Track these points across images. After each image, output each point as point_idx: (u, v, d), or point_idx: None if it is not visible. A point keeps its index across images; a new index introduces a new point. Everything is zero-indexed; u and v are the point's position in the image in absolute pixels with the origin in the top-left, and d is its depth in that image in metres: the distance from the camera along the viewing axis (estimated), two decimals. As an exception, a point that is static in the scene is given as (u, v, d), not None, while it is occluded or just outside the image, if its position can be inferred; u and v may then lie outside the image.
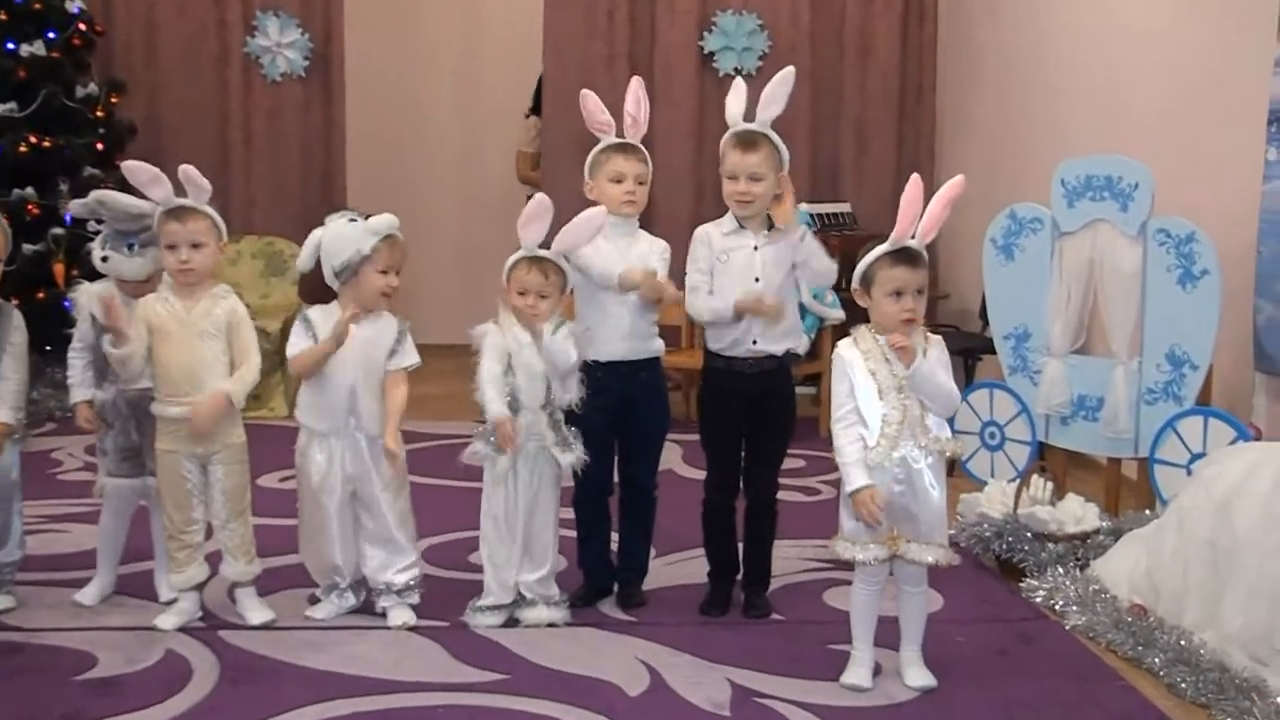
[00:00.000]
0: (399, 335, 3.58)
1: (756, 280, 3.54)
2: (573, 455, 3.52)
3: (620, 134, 3.69)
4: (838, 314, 5.73)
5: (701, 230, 3.65)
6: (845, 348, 3.19)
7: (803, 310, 5.53)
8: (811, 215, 5.98)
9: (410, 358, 3.59)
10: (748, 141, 3.51)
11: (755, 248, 3.57)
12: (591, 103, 3.69)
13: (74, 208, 3.73)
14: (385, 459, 3.51)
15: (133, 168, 3.48)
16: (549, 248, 3.49)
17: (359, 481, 3.56)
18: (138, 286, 3.62)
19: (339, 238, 3.51)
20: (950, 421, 3.22)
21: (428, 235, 8.06)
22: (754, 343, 3.57)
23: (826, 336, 5.88)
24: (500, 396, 3.45)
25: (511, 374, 3.49)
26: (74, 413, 3.70)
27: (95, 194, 3.62)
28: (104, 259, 3.60)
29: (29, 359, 3.62)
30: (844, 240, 6.43)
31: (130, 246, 3.57)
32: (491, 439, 3.51)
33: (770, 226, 3.58)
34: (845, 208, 6.92)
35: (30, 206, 6.17)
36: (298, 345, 3.54)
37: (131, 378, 3.51)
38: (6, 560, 3.69)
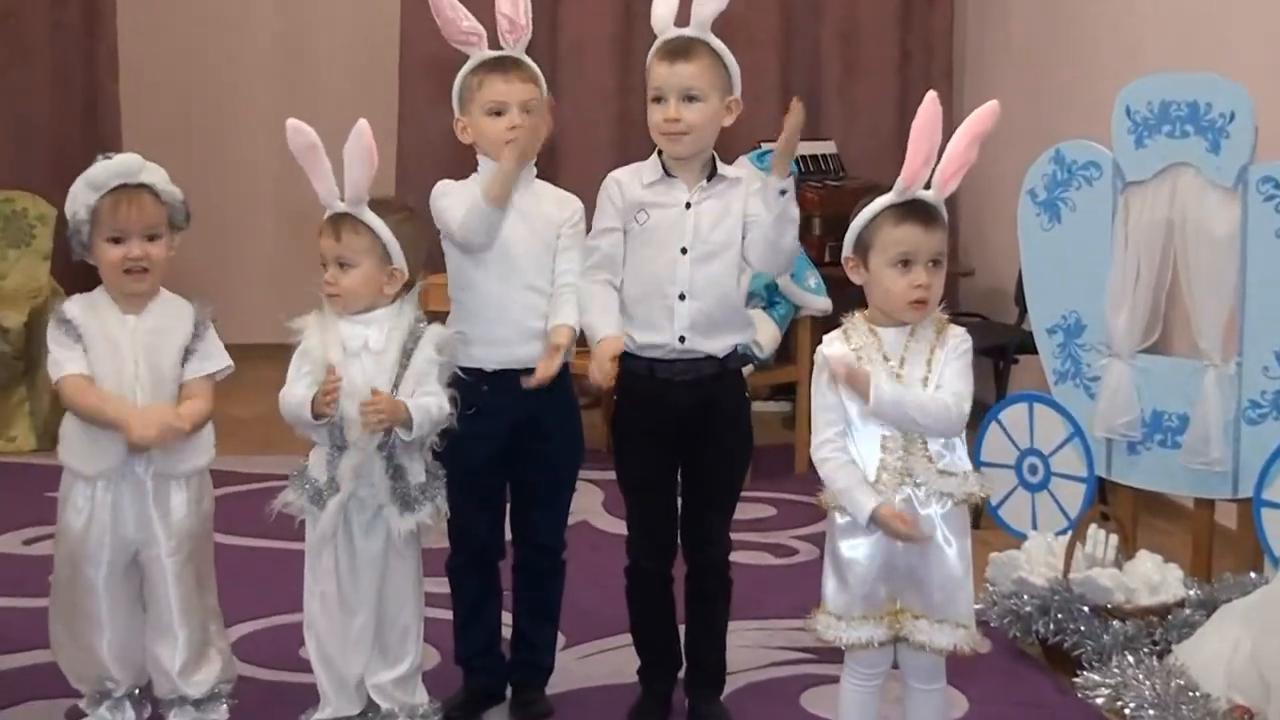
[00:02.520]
0: (197, 328, 3.56)
1: (684, 251, 3.57)
2: (417, 516, 3.50)
3: (495, 45, 3.71)
4: (821, 301, 5.76)
5: (612, 178, 3.67)
6: (831, 346, 3.22)
7: (773, 293, 5.69)
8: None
9: (216, 360, 3.57)
10: (678, 49, 3.54)
11: (687, 205, 3.59)
12: (444, 3, 3.69)
13: None
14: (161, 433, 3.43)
15: None
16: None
17: (143, 544, 3.53)
18: None
19: (71, 191, 3.51)
20: (976, 450, 3.25)
21: (238, 192, 8.01)
22: (680, 339, 3.59)
23: (804, 330, 5.92)
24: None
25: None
26: None
27: None
28: None
29: None
30: (827, 194, 6.49)
31: None
32: (309, 485, 3.50)
33: (711, 175, 3.60)
34: (828, 148, 6.97)
35: None
36: (65, 361, 3.48)
37: None
38: None
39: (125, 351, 3.48)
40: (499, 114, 3.62)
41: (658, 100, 3.55)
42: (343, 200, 3.47)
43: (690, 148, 3.56)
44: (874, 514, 3.09)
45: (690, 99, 3.53)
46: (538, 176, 3.73)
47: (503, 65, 3.65)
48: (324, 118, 8.51)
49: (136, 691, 3.64)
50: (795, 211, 3.54)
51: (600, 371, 3.50)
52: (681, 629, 3.81)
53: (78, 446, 3.53)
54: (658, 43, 3.58)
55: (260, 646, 4.14)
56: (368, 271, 3.47)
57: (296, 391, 3.45)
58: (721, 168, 3.62)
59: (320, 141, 3.45)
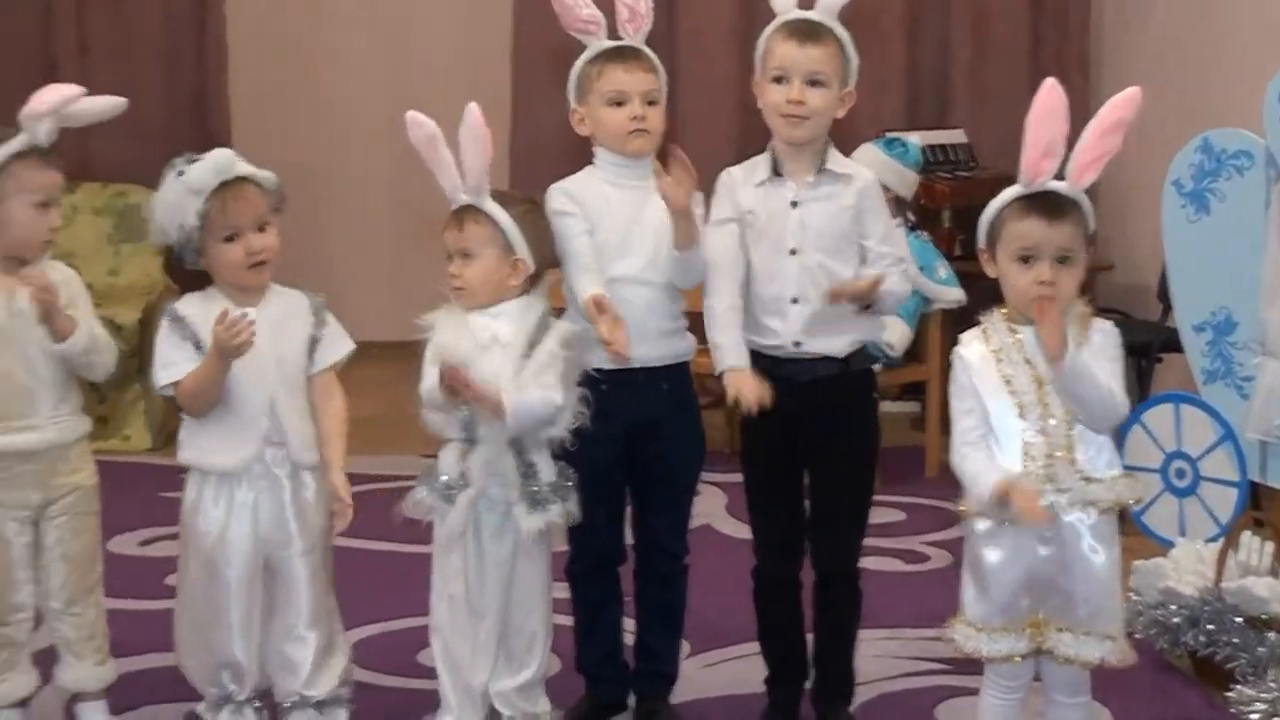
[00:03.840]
0: (316, 315, 3.59)
1: (792, 253, 3.56)
2: (547, 515, 3.51)
3: (615, 35, 3.70)
4: (953, 293, 5.72)
5: (727, 172, 3.67)
6: (968, 345, 3.19)
7: None
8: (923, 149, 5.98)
9: (341, 345, 3.60)
10: (808, 31, 3.53)
11: (793, 204, 3.58)
12: None
13: None
14: (333, 508, 3.51)
15: None
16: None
17: (276, 545, 3.56)
18: None
19: (163, 204, 3.55)
20: (1119, 451, 3.21)
21: (351, 187, 8.08)
22: (795, 344, 3.58)
23: (935, 327, 5.87)
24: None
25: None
26: None
27: None
28: None
29: None
30: (957, 185, 6.44)
31: None
32: (440, 482, 3.52)
33: (820, 168, 3.58)
34: (957, 137, 6.93)
35: None
36: (176, 363, 3.53)
37: None
38: None
39: (257, 347, 3.49)
40: (619, 104, 3.63)
41: (779, 80, 3.53)
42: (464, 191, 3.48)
43: (809, 133, 3.55)
44: (996, 488, 3.05)
45: (814, 83, 3.51)
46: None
47: (623, 55, 3.65)
48: (434, 108, 8.57)
49: (257, 695, 3.66)
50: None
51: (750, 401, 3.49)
52: (809, 637, 3.79)
53: (209, 443, 3.55)
54: (780, 21, 3.57)
55: (376, 651, 4.18)
56: (490, 262, 3.49)
57: (430, 380, 3.47)
58: (832, 161, 3.60)
59: (440, 132, 3.46)
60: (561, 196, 3.63)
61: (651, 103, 3.64)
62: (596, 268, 3.58)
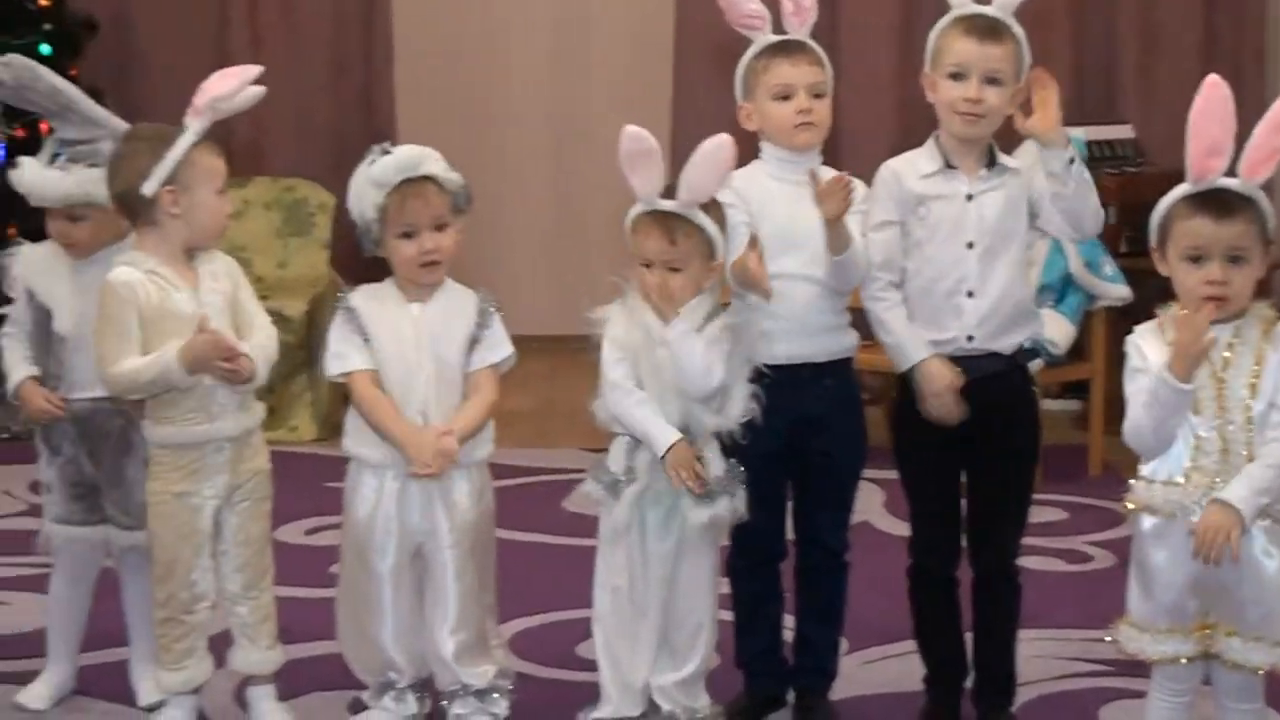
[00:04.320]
0: (481, 316, 3.63)
1: (970, 246, 3.53)
2: (713, 510, 3.52)
3: (780, 29, 3.70)
4: (1119, 289, 5.64)
5: (887, 168, 3.64)
6: (1145, 336, 3.15)
7: (1065, 286, 5.60)
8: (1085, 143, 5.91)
9: (501, 349, 3.64)
10: (989, 29, 3.51)
11: (969, 196, 3.55)
12: None
13: None
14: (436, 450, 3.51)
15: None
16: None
17: (427, 535, 3.61)
18: (63, 229, 3.70)
19: (352, 190, 3.60)
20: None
21: (513, 183, 8.14)
22: (969, 338, 3.55)
23: (1099, 325, 5.79)
24: (655, 412, 3.47)
25: (638, 386, 3.50)
26: (19, 401, 3.79)
27: (6, 57, 3.70)
28: (16, 165, 3.70)
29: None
30: (1124, 180, 6.35)
31: (55, 157, 3.66)
32: (608, 476, 3.53)
33: (991, 163, 3.55)
34: (1124, 132, 6.83)
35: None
36: (346, 355, 3.59)
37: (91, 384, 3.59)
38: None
39: (410, 340, 3.57)
40: (786, 98, 3.63)
41: (956, 77, 3.51)
42: (663, 198, 3.47)
43: (984, 130, 3.53)
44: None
45: (992, 81, 3.49)
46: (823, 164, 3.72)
47: (788, 48, 3.65)
48: (596, 104, 8.68)
49: (419, 683, 3.72)
50: (1088, 175, 3.47)
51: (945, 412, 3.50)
52: (969, 636, 3.77)
53: (366, 434, 3.62)
54: (956, 15, 3.55)
55: (536, 643, 4.22)
56: (696, 272, 3.49)
57: (615, 376, 3.50)
58: (1000, 156, 3.58)
59: (658, 146, 3.46)
60: (725, 190, 3.64)
61: (818, 95, 3.64)
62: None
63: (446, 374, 3.58)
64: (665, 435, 3.46)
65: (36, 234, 3.84)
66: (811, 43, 3.69)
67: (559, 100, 8.29)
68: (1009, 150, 3.63)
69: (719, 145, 3.44)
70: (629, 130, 3.46)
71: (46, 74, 3.64)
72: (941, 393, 3.51)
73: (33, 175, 3.65)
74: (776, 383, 3.59)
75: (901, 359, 3.56)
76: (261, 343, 3.58)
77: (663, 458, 3.46)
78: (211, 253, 3.63)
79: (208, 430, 3.55)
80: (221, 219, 3.59)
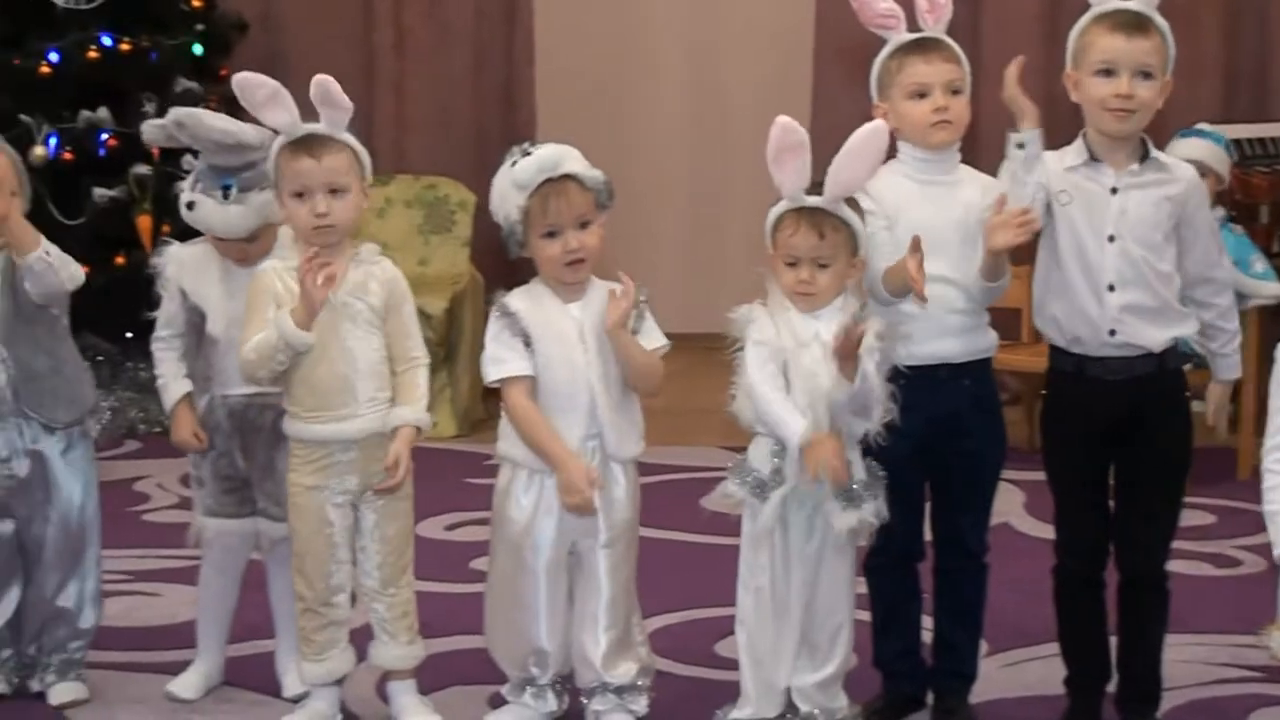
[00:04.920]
0: (634, 310, 3.63)
1: (1111, 240, 3.50)
2: (860, 513, 3.51)
3: (915, 27, 3.68)
4: (1271, 287, 5.56)
5: None
6: None
7: None
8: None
9: (657, 338, 3.64)
10: (1136, 24, 3.46)
11: (1113, 190, 3.51)
12: None
13: (146, 131, 3.89)
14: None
15: (245, 82, 3.60)
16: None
17: (584, 533, 3.64)
18: (240, 249, 3.76)
19: (495, 191, 3.61)
20: None
21: (650, 181, 8.15)
22: (1110, 333, 3.51)
23: (1250, 324, 5.69)
24: (793, 406, 3.47)
25: (784, 384, 3.49)
26: (171, 420, 3.86)
27: (174, 112, 3.76)
28: (189, 205, 3.76)
29: (94, 351, 3.83)
30: (1276, 178, 6.26)
31: (225, 190, 3.71)
32: (751, 477, 3.53)
33: (1144, 157, 3.51)
34: (1276, 130, 6.71)
35: (105, 134, 6.49)
36: (505, 360, 3.60)
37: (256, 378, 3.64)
38: (74, 632, 3.90)
39: (574, 340, 3.58)
40: (921, 96, 3.60)
41: (1106, 74, 3.47)
42: (808, 195, 3.47)
43: (1135, 126, 3.49)
44: None
45: (1143, 75, 3.45)
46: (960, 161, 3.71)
47: (923, 46, 3.62)
48: (735, 102, 8.66)
49: (559, 680, 3.75)
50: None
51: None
52: (1113, 640, 3.73)
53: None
54: (1100, 12, 3.51)
55: (674, 640, 4.22)
56: (840, 268, 3.49)
57: (760, 378, 3.49)
58: (1154, 151, 3.54)
59: (808, 138, 3.46)
60: (861, 195, 3.63)
61: (954, 93, 3.61)
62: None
63: (611, 370, 3.59)
64: (798, 425, 3.44)
65: (187, 232, 3.90)
66: (948, 39, 3.66)
67: (698, 98, 8.29)
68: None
69: (873, 132, 3.44)
70: (781, 121, 3.45)
71: (211, 119, 3.72)
72: None
73: (210, 215, 3.70)
74: (914, 383, 3.56)
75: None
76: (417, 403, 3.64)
77: (800, 452, 3.45)
78: (379, 260, 3.66)
79: (332, 430, 3.59)
80: (300, 221, 3.57)
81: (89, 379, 3.99)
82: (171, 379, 3.84)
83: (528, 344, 3.58)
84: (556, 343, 3.59)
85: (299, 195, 3.56)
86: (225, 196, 3.69)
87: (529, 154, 3.57)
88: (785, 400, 3.47)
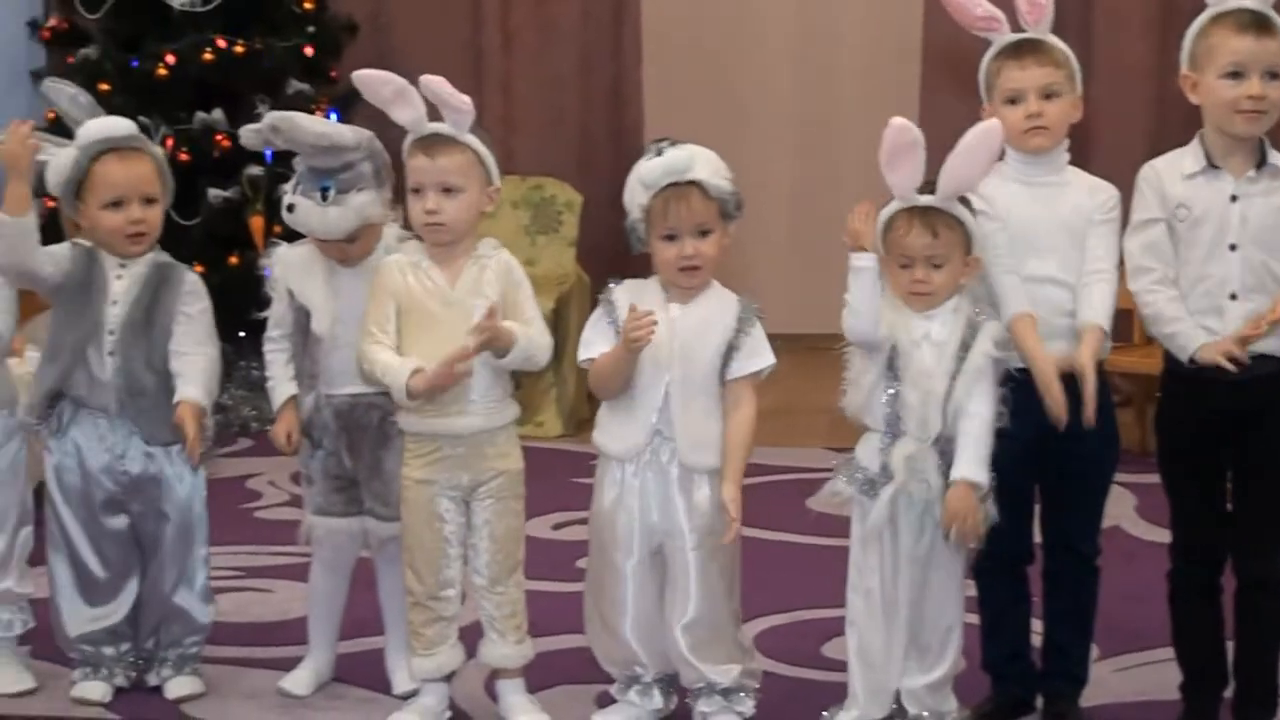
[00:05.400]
0: (741, 323, 3.62)
1: (1232, 248, 3.46)
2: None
3: (1018, 28, 3.66)
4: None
5: (1150, 167, 3.58)
6: None
7: None
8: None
9: (760, 358, 3.62)
10: (1261, 23, 3.43)
11: (1233, 198, 3.47)
12: None
13: (244, 136, 3.93)
14: (723, 516, 3.55)
15: (370, 78, 3.64)
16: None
17: (667, 534, 3.64)
18: (340, 249, 3.79)
19: (628, 185, 3.62)
20: None
21: (757, 180, 8.13)
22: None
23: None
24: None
25: (895, 383, 3.48)
26: (275, 417, 3.91)
27: (270, 116, 3.80)
28: (289, 208, 3.79)
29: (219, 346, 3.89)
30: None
31: (324, 191, 3.74)
32: (860, 474, 3.52)
33: (1261, 162, 3.47)
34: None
35: (218, 136, 6.58)
36: (594, 343, 3.64)
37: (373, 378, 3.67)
38: (190, 628, 3.95)
39: (662, 341, 3.56)
40: (1015, 102, 3.59)
41: (1235, 75, 3.43)
42: (922, 194, 3.46)
43: (1265, 127, 3.47)
44: None
45: (1271, 75, 3.42)
46: (1070, 163, 3.69)
47: (1019, 50, 3.61)
48: (842, 103, 8.60)
49: (665, 679, 3.75)
50: None
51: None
52: (1229, 646, 3.68)
53: (608, 425, 3.67)
54: (1220, 11, 3.48)
55: (780, 641, 4.21)
56: (955, 267, 3.48)
57: (862, 387, 3.51)
58: (1272, 155, 3.50)
59: (922, 138, 3.45)
60: (973, 196, 3.61)
61: (1049, 96, 3.59)
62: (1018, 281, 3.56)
63: (694, 378, 3.58)
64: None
65: (298, 232, 3.94)
66: (1050, 40, 3.65)
67: (805, 99, 8.27)
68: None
69: (987, 131, 3.42)
70: (896, 122, 3.42)
71: (307, 123, 3.74)
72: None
73: (309, 216, 3.72)
74: (1025, 386, 3.55)
75: (1178, 350, 3.49)
76: (529, 335, 3.63)
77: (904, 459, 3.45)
78: (495, 253, 3.67)
79: (443, 424, 3.61)
80: (413, 216, 3.62)
81: None
82: (279, 381, 3.88)
83: (619, 332, 3.58)
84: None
85: (415, 191, 3.61)
86: (324, 198, 3.71)
87: (662, 153, 3.57)
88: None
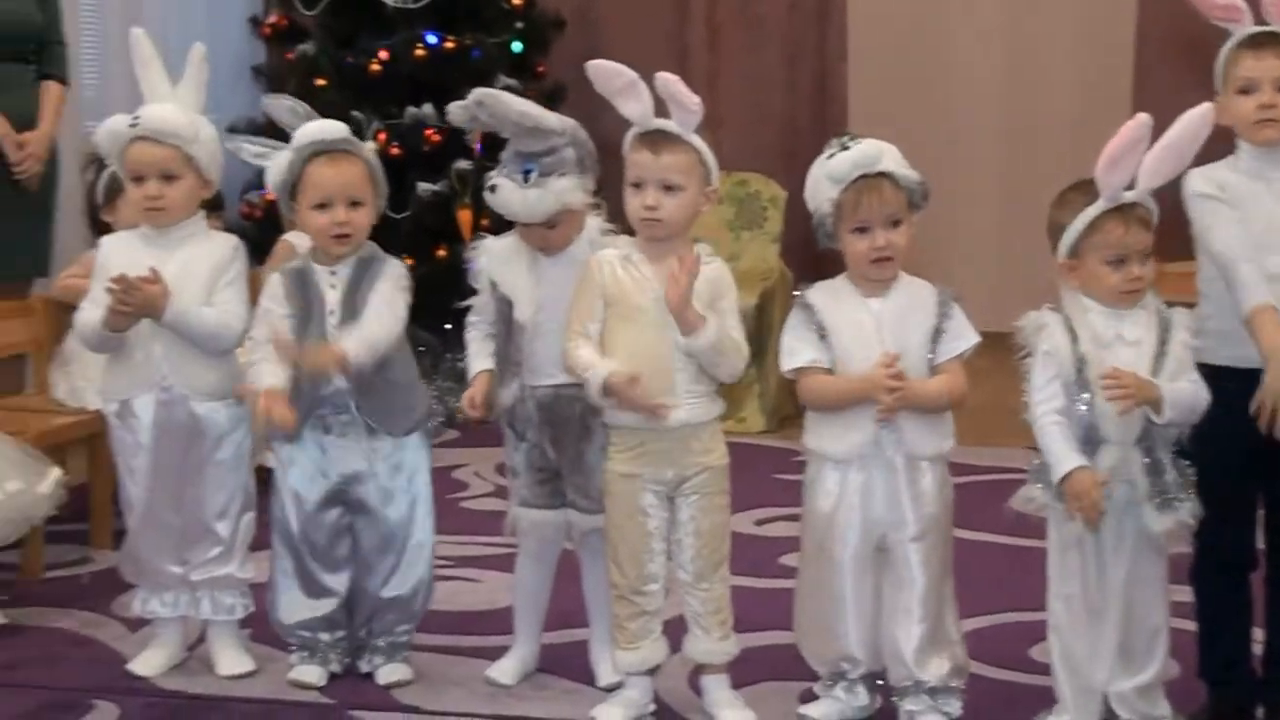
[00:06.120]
0: (941, 308, 3.60)
1: None
2: (1177, 515, 3.44)
3: (1261, 20, 3.57)
4: None
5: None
6: None
7: None
8: None
9: (965, 338, 3.60)
10: (1268, 40, 3.44)
11: None
12: None
13: (452, 111, 3.95)
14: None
15: (603, 69, 3.66)
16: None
17: (891, 526, 3.62)
18: (541, 235, 3.80)
19: (810, 182, 3.61)
20: None
21: (962, 176, 8.07)
22: None
23: None
24: (1068, 438, 3.42)
25: (1087, 392, 3.42)
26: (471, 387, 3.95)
27: (476, 92, 3.82)
28: (492, 188, 3.80)
29: (415, 342, 3.92)
30: None
31: (526, 174, 3.75)
32: (1054, 484, 3.47)
33: None
34: None
35: (428, 131, 6.68)
36: (798, 351, 3.62)
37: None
38: (403, 617, 4.00)
39: (871, 335, 3.56)
40: (1247, 92, 3.51)
41: (1247, 92, 3.41)
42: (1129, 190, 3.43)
43: None
44: None
45: None
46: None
47: (1256, 42, 3.53)
48: (1051, 98, 8.50)
49: (870, 676, 3.73)
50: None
51: None
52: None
53: (826, 430, 3.64)
54: (1238, 37, 3.46)
55: (988, 643, 4.16)
56: (1154, 264, 3.43)
57: (1041, 399, 3.46)
58: None
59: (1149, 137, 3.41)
60: (1201, 180, 3.53)
61: None
62: (1258, 271, 3.47)
63: (911, 366, 3.56)
64: (1067, 462, 3.41)
65: (505, 226, 3.97)
66: None
67: (1012, 91, 8.17)
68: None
69: (1194, 120, 3.38)
70: (1140, 118, 3.39)
71: (512, 101, 3.77)
72: None
73: (510, 197, 3.74)
74: (1239, 382, 3.46)
75: None
76: (724, 327, 3.60)
77: (1060, 484, 3.41)
78: (709, 261, 3.64)
79: (642, 418, 3.61)
80: (630, 211, 3.61)
81: (421, 388, 4.12)
82: (476, 356, 3.91)
83: (823, 337, 3.58)
84: (853, 337, 3.58)
85: (636, 186, 3.62)
86: (525, 180, 3.73)
87: (847, 148, 3.56)
88: (1061, 432, 3.43)
